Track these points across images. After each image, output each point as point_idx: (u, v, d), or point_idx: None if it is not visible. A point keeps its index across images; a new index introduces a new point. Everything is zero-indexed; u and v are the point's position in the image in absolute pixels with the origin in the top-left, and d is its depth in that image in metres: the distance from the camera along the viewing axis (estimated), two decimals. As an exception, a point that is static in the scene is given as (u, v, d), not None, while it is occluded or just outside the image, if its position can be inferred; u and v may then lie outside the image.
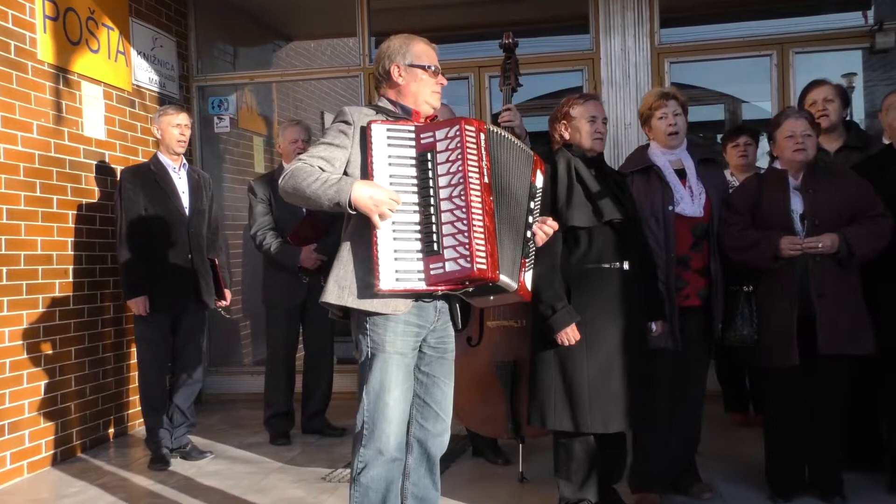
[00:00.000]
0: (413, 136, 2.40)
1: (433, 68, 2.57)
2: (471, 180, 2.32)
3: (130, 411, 5.08)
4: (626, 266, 3.09)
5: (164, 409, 4.34)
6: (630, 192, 3.29)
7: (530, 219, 2.57)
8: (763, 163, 5.86)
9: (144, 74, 5.42)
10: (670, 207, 3.30)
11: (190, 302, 4.32)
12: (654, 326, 3.25)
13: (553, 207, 3.06)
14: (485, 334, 3.80)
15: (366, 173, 2.36)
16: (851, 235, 3.17)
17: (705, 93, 7.32)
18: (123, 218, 4.21)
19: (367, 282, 2.36)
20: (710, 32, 5.90)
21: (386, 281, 2.30)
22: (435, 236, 2.31)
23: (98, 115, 4.88)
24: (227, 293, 4.59)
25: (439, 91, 2.59)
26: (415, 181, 2.36)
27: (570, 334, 3.00)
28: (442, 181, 2.34)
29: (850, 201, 3.24)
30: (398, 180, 2.36)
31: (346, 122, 2.46)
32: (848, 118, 4.03)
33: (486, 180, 2.36)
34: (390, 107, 2.58)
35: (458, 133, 2.34)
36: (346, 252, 2.44)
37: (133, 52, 5.30)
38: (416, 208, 2.35)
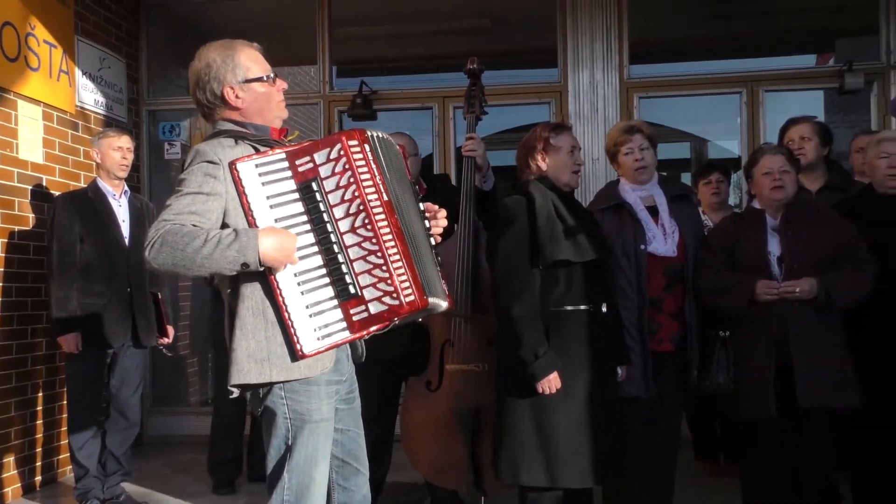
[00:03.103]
0: (286, 164, 2.06)
1: (271, 77, 2.21)
2: (371, 204, 2.02)
3: (60, 457, 4.71)
4: (604, 308, 2.89)
5: (95, 456, 4.00)
6: (602, 231, 3.11)
7: (427, 223, 2.25)
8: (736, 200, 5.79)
9: (90, 96, 5.13)
10: (642, 246, 3.13)
11: (128, 339, 4.02)
12: (619, 371, 3.06)
13: (531, 243, 2.84)
14: (445, 379, 3.55)
15: (246, 223, 2.03)
16: (831, 281, 3.01)
17: (671, 131, 7.29)
18: (56, 247, 3.93)
19: (290, 347, 2.04)
20: (680, 69, 5.84)
21: (308, 343, 2.01)
22: (348, 277, 2.01)
23: (36, 137, 4.57)
24: (170, 330, 4.31)
25: (284, 99, 2.26)
26: (306, 218, 2.05)
27: (553, 383, 2.76)
28: (338, 212, 2.04)
29: (832, 244, 3.09)
30: (287, 222, 2.03)
31: (212, 162, 2.03)
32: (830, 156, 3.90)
33: (385, 198, 2.05)
34: (240, 128, 2.18)
35: (341, 153, 2.04)
36: (248, 317, 2.05)
37: (78, 72, 5.01)
38: (316, 249, 2.04)
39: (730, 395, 3.15)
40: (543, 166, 3.00)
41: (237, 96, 2.17)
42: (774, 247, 3.13)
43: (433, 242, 2.24)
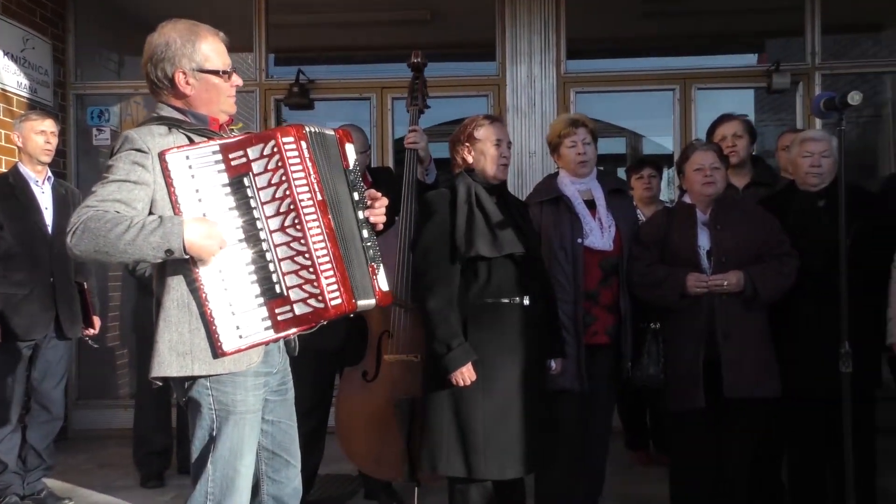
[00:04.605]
0: (220, 157, 2.00)
1: (227, 72, 2.14)
2: (303, 204, 1.98)
3: (-22, 452, 4.50)
4: (526, 301, 2.90)
5: (14, 451, 3.86)
6: (532, 224, 3.13)
7: (360, 214, 2.18)
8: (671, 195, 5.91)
9: (12, 77, 4.92)
10: (579, 240, 3.16)
11: (51, 331, 3.88)
12: (553, 364, 3.08)
13: (452, 236, 2.86)
14: (382, 369, 3.54)
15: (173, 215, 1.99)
16: (757, 274, 3.10)
17: (607, 126, 7.39)
18: (-26, 236, 3.76)
19: (211, 344, 2.00)
20: (616, 65, 5.93)
21: (228, 342, 1.98)
22: (275, 276, 1.99)
23: (-47, 119, 4.38)
24: (96, 321, 4.17)
25: (234, 95, 2.21)
26: (236, 213, 2.01)
27: (465, 374, 2.78)
28: (268, 210, 1.99)
29: (757, 239, 3.18)
30: (216, 217, 1.99)
31: (140, 151, 1.97)
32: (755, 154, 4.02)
33: (319, 197, 2.01)
34: (178, 115, 2.12)
35: (275, 150, 1.98)
36: (173, 309, 2.01)
37: (-1, 52, 4.81)
38: (245, 245, 2.01)
39: (660, 386, 3.21)
40: (469, 159, 3.02)
41: (187, 83, 2.10)
42: (704, 241, 3.20)
43: (366, 235, 2.19)
